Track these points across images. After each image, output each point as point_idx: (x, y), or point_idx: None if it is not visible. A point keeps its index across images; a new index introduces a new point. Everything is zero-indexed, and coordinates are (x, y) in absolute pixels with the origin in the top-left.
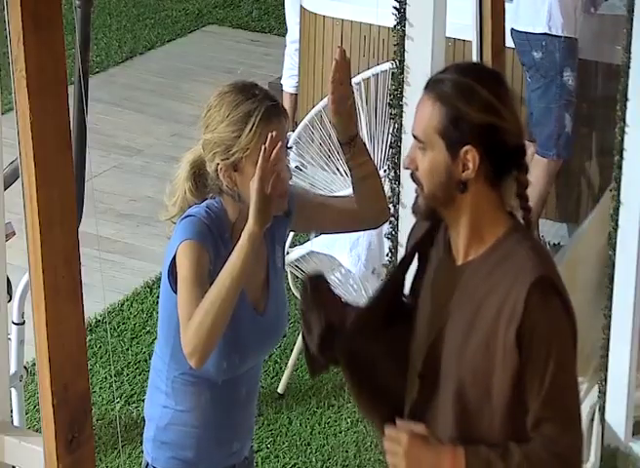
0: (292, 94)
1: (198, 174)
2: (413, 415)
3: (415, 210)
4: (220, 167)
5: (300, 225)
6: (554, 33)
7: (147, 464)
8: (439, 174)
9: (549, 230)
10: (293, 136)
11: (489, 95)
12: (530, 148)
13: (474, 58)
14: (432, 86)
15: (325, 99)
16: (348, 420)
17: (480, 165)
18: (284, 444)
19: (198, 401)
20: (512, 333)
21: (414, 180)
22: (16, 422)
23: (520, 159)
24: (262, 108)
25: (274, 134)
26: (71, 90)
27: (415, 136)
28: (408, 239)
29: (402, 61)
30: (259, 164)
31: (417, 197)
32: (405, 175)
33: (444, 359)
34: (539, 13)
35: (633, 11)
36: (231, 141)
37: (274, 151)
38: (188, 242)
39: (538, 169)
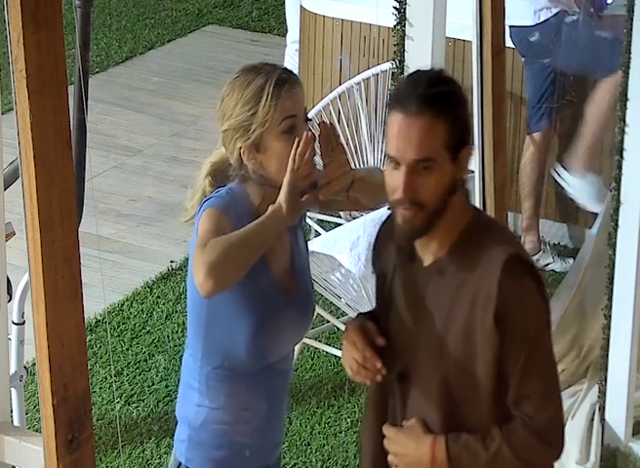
0: None
1: (219, 170)
2: (395, 420)
3: (410, 233)
4: (242, 150)
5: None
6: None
7: (180, 464)
8: (445, 185)
9: (549, 230)
10: None
11: (463, 94)
12: (530, 147)
13: (474, 57)
14: (421, 103)
15: (325, 99)
16: (348, 420)
17: None
18: (284, 444)
19: (231, 396)
20: (490, 318)
21: (411, 205)
22: (16, 422)
23: None
24: (274, 78)
25: (308, 135)
26: (71, 90)
27: (415, 160)
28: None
29: (402, 61)
30: (288, 168)
31: (408, 220)
32: None
33: (424, 359)
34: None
35: (633, 11)
36: (249, 120)
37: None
38: (210, 210)
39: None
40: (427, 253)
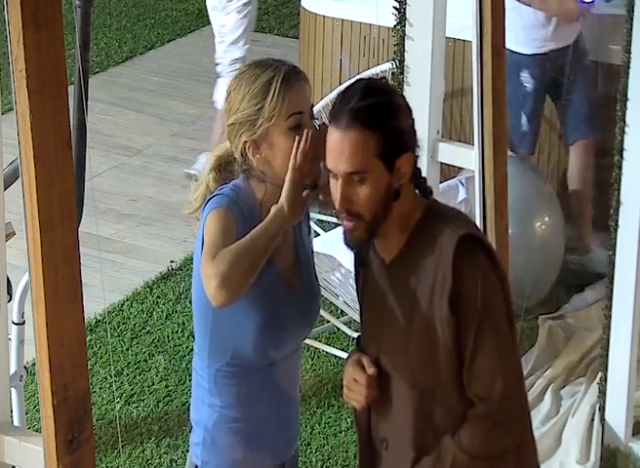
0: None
1: (224, 164)
2: (370, 418)
3: (355, 242)
4: (247, 145)
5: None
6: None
7: (195, 466)
8: (381, 194)
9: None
10: None
11: (403, 100)
12: None
13: (474, 57)
14: (349, 117)
15: (325, 99)
16: (348, 420)
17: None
18: None
19: (240, 394)
20: (445, 301)
21: (350, 216)
22: (16, 422)
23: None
24: (282, 73)
25: (307, 132)
26: (71, 90)
27: (349, 173)
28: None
29: (402, 61)
30: (290, 165)
31: (350, 230)
32: None
33: (393, 354)
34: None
35: (633, 11)
36: (255, 115)
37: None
38: (216, 210)
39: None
40: (386, 251)
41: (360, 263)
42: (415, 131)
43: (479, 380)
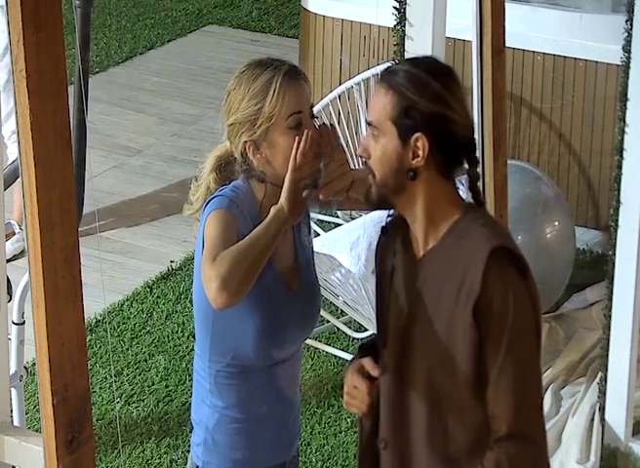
0: None
1: (224, 165)
2: (388, 411)
3: (367, 197)
4: (247, 145)
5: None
6: None
7: (197, 467)
8: (390, 160)
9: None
10: None
11: (439, 86)
12: None
13: (474, 57)
14: (386, 76)
15: (325, 99)
16: (348, 420)
17: (430, 153)
18: None
19: (241, 395)
20: (470, 309)
21: (367, 167)
22: (16, 422)
23: (471, 153)
24: (282, 73)
25: (308, 132)
26: (71, 90)
27: (369, 123)
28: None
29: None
30: (290, 166)
31: (369, 186)
32: None
33: (413, 352)
34: None
35: (633, 11)
36: (255, 114)
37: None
38: (216, 211)
39: None
40: (420, 246)
41: (385, 247)
42: (458, 132)
43: (506, 397)
